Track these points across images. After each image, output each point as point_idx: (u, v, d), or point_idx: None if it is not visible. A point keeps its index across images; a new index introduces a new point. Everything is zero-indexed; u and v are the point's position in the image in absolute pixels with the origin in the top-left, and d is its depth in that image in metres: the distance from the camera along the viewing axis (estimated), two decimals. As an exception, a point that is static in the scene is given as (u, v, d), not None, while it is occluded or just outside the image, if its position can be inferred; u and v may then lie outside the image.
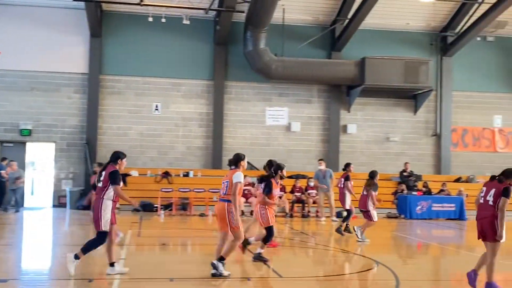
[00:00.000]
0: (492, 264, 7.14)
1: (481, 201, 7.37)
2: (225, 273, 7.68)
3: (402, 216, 18.43)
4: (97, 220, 7.62)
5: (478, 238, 7.33)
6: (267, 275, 8.28)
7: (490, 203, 7.18)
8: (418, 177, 20.20)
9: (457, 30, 20.82)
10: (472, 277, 7.34)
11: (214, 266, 7.67)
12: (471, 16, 19.83)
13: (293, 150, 20.91)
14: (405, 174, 20.05)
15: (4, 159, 17.75)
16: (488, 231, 7.12)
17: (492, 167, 21.66)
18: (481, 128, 21.92)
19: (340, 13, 20.10)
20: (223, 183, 7.98)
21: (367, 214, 12.00)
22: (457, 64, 21.60)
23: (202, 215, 17.63)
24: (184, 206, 18.16)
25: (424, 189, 19.40)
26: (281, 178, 9.26)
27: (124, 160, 7.94)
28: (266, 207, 8.95)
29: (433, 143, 21.66)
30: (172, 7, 18.30)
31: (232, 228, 7.78)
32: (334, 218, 16.68)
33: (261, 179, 9.45)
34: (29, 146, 19.78)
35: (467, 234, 16.30)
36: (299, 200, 18.17)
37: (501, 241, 7.11)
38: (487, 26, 19.99)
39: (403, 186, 19.17)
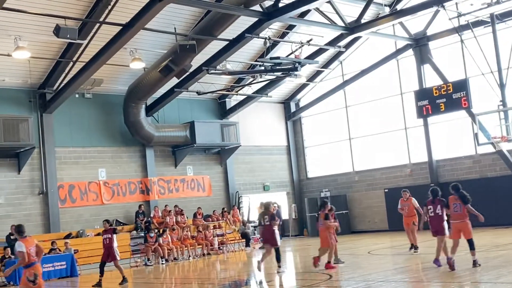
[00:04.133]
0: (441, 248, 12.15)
1: (432, 214, 12.15)
2: None
3: (11, 283, 17.19)
4: (275, 240, 13.58)
5: (434, 236, 12.22)
6: None
7: (439, 214, 12.05)
8: (27, 239, 19.26)
9: (55, 87, 20.97)
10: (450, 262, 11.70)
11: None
12: (67, 73, 20.26)
13: None
14: (12, 237, 18.84)
15: None
16: (440, 230, 12.01)
17: (101, 219, 22.31)
18: (87, 182, 22.38)
19: None
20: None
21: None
22: (58, 121, 21.68)
23: None
24: None
25: (33, 250, 18.54)
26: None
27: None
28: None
29: (41, 201, 21.06)
30: None
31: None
32: None
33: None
34: None
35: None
36: None
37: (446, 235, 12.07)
38: (84, 83, 20.76)
39: (10, 251, 17.95)
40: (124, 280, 14.64)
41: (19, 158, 20.65)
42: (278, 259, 13.82)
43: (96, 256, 20.39)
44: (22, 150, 20.35)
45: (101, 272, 14.81)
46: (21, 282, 9.34)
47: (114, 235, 15.02)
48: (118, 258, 14.94)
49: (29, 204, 20.84)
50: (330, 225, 14.07)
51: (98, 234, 21.34)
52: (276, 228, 13.92)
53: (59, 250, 18.76)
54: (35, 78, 20.71)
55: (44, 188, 21.07)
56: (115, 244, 14.98)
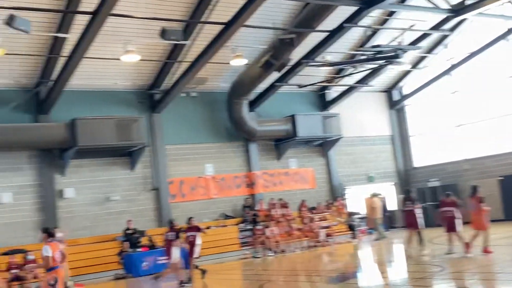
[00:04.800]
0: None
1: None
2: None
3: (130, 275, 18.21)
4: (417, 223, 14.76)
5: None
6: None
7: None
8: (142, 233, 20.32)
9: (162, 87, 21.87)
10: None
11: None
12: (173, 74, 21.04)
13: (4, 224, 19.10)
14: (128, 231, 19.96)
15: None
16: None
17: (209, 213, 23.11)
18: (195, 178, 23.17)
19: (44, 76, 19.39)
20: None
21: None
22: (166, 120, 22.60)
23: None
24: None
25: (148, 243, 19.55)
26: None
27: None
28: None
29: (153, 197, 22.09)
30: None
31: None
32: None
33: None
34: None
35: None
36: (17, 278, 16.58)
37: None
38: (189, 83, 21.47)
39: (127, 244, 19.02)
40: (203, 271, 15.29)
41: (132, 156, 21.77)
42: (421, 242, 14.62)
43: (207, 248, 21.14)
44: (134, 149, 21.43)
45: (196, 266, 15.33)
46: (42, 285, 9.55)
47: (198, 233, 15.26)
48: (196, 256, 15.15)
49: (142, 200, 21.92)
50: (486, 209, 13.99)
51: (208, 228, 22.06)
52: (418, 212, 15.13)
53: (172, 243, 19.54)
54: (143, 79, 21.73)
55: (156, 184, 22.07)
56: (199, 242, 15.22)
